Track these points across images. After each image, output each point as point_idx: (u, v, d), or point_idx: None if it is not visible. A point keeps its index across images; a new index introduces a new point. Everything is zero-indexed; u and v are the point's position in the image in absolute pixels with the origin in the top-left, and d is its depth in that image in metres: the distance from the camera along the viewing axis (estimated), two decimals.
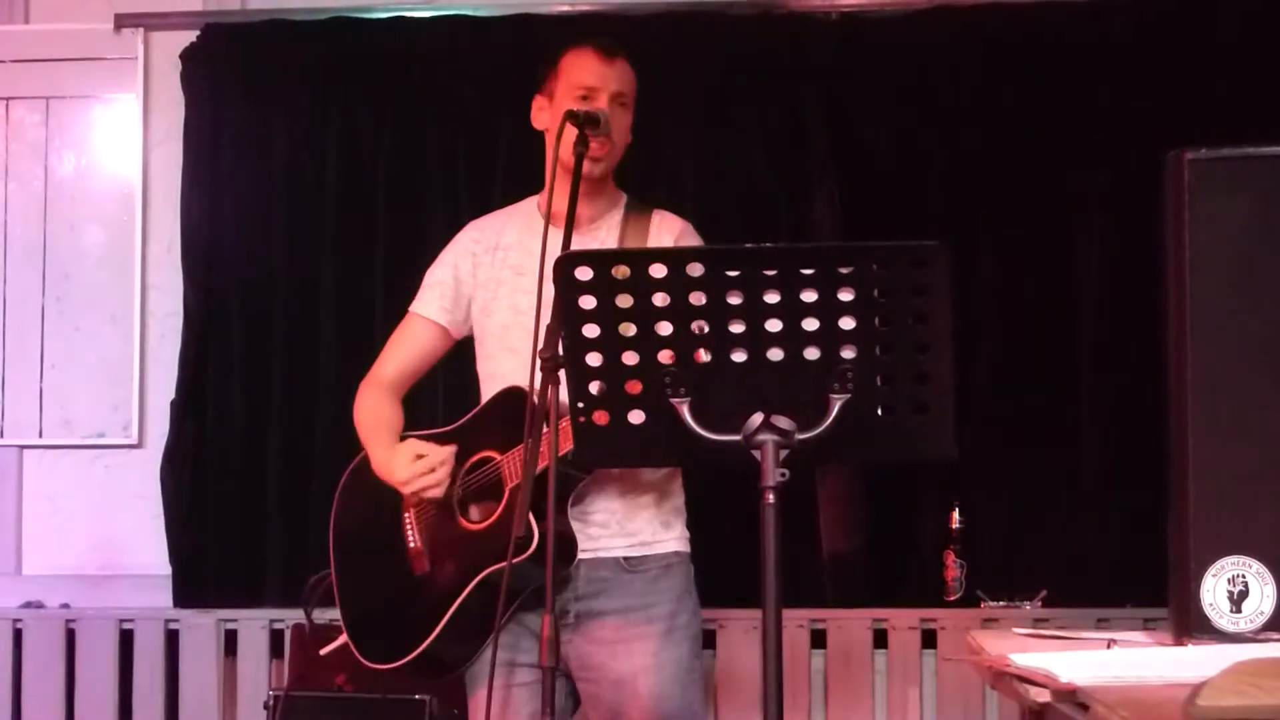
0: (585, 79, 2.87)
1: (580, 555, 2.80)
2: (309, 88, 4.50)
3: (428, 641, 2.80)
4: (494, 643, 2.62)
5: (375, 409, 3.00)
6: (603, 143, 2.80)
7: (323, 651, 2.99)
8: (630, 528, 2.85)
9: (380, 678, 3.81)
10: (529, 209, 2.99)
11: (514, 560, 2.52)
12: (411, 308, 3.04)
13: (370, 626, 2.97)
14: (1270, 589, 2.06)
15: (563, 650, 2.79)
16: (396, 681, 3.66)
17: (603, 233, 2.91)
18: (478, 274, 2.96)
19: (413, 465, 2.82)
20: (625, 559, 2.84)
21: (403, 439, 2.92)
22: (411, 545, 2.89)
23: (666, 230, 2.92)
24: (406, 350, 3.04)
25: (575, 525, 2.79)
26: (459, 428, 2.93)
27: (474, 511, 2.84)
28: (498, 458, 2.80)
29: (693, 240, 2.93)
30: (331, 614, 3.03)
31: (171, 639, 4.36)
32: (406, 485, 2.83)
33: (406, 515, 2.91)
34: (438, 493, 2.81)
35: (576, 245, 2.71)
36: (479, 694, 2.83)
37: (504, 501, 2.76)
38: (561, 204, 2.75)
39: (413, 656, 2.82)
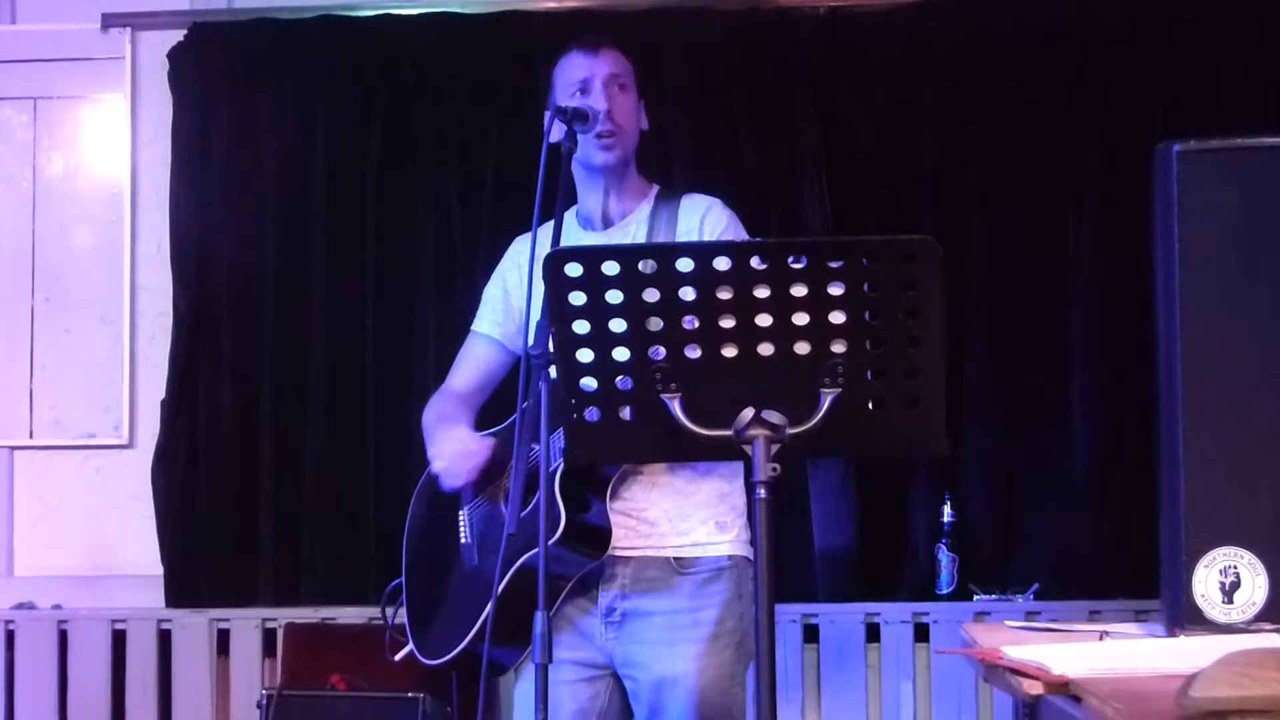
0: (576, 74, 2.87)
1: (629, 553, 2.78)
2: (297, 86, 4.49)
3: (472, 634, 2.76)
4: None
5: (439, 408, 3.03)
6: (609, 130, 2.80)
7: (396, 658, 2.99)
8: (683, 527, 2.81)
9: (374, 676, 3.84)
10: (570, 219, 2.96)
11: (508, 548, 2.51)
12: (472, 325, 3.08)
13: (428, 623, 2.96)
14: (1262, 580, 2.06)
15: (607, 647, 2.81)
16: (393, 680, 3.66)
17: (633, 228, 2.89)
18: (523, 285, 2.94)
19: (451, 447, 2.85)
20: (676, 559, 2.80)
21: None
22: (464, 541, 2.90)
23: (694, 210, 2.88)
24: (467, 366, 3.07)
25: (628, 522, 2.77)
26: (510, 424, 2.92)
27: None
28: (538, 447, 2.79)
29: (721, 214, 2.87)
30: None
31: (164, 639, 4.36)
32: (435, 460, 2.87)
33: (462, 513, 2.93)
34: (454, 482, 2.85)
35: (608, 243, 2.73)
36: (520, 687, 2.83)
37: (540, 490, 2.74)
38: (589, 203, 2.86)
39: (461, 648, 2.80)
